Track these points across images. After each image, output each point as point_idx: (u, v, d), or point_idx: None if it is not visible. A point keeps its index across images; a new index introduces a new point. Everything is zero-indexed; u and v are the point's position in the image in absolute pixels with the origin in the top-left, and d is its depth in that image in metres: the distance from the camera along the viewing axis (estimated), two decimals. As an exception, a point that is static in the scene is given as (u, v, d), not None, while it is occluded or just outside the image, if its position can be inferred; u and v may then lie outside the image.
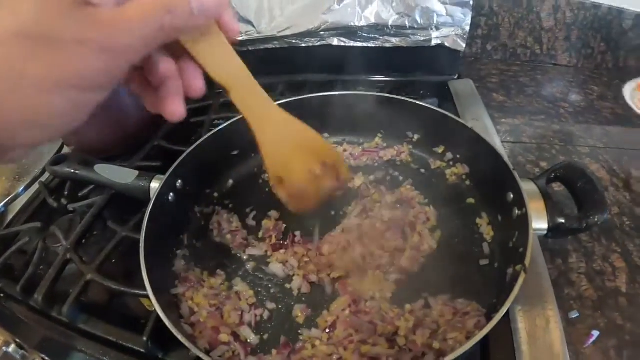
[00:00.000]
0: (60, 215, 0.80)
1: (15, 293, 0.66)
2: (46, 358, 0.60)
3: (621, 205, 0.71)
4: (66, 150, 0.99)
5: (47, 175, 0.93)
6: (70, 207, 0.80)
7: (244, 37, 1.02)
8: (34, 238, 0.76)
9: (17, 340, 0.63)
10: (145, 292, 0.59)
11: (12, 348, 0.64)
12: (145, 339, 0.55)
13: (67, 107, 0.30)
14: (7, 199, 0.88)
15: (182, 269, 0.63)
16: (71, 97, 0.29)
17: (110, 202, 0.77)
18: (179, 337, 0.47)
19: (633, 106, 0.94)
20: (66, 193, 0.84)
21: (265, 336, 0.56)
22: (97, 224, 0.75)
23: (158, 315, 0.54)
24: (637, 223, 0.68)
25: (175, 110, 0.37)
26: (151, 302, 0.59)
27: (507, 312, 0.54)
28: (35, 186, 0.90)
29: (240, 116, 0.75)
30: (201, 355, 0.46)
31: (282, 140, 0.47)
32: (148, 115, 0.93)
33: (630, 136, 0.89)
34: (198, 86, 0.38)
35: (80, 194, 0.83)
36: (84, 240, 0.72)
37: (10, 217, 0.84)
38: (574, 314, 0.56)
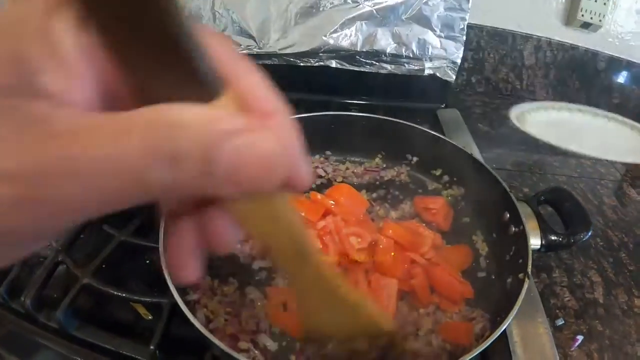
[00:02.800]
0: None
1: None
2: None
3: (595, 228, 0.84)
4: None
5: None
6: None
7: (245, 51, 1.10)
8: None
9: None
10: (148, 299, 0.64)
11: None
12: (152, 347, 0.56)
13: None
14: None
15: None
16: None
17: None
18: (209, 336, 0.50)
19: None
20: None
21: (284, 343, 0.60)
22: (85, 226, 0.75)
23: (165, 324, 0.59)
24: (610, 244, 0.81)
25: (187, 271, 0.25)
26: (144, 309, 0.64)
27: (503, 320, 0.64)
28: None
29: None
30: (233, 353, 0.49)
31: (337, 316, 0.38)
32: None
33: (601, 168, 1.04)
34: (226, 240, 0.25)
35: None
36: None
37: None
38: (559, 322, 0.67)
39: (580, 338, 0.64)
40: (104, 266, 0.68)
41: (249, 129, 0.19)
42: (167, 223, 0.24)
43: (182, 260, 0.24)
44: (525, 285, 0.54)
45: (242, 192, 0.20)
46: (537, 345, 0.62)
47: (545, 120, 1.18)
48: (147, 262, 0.75)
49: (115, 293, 0.63)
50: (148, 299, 0.64)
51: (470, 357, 0.50)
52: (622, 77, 1.27)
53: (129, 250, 0.73)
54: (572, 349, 0.64)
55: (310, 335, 0.40)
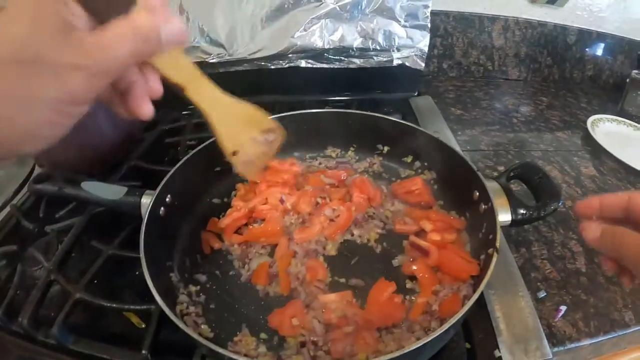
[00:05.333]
0: (35, 238, 0.80)
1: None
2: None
3: (574, 199, 0.81)
4: (38, 171, 0.99)
5: (18, 198, 0.93)
6: (48, 228, 0.79)
7: (215, 60, 1.08)
8: (9, 262, 0.75)
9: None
10: (137, 307, 0.63)
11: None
12: (144, 352, 0.56)
13: (60, 120, 0.35)
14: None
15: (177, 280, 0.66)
16: (64, 112, 0.34)
17: (89, 221, 0.78)
18: (198, 338, 0.49)
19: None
20: (41, 215, 0.84)
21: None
22: (75, 245, 0.75)
23: (155, 329, 0.58)
24: (589, 213, 0.78)
25: (147, 109, 0.42)
26: (140, 317, 0.63)
27: (483, 297, 0.62)
28: (6, 210, 0.88)
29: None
30: (220, 350, 0.48)
31: (231, 119, 0.53)
32: (122, 136, 0.95)
33: (577, 140, 1.01)
34: (158, 88, 0.43)
35: (57, 215, 0.83)
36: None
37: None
38: (541, 294, 0.64)
39: (563, 308, 0.62)
40: (95, 281, 0.68)
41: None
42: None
43: (143, 101, 0.41)
44: (494, 260, 0.52)
45: (172, 46, 0.39)
46: (520, 319, 0.59)
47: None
48: (137, 273, 0.74)
49: (106, 304, 0.63)
50: (137, 307, 0.63)
51: (439, 334, 0.47)
52: (594, 49, 1.25)
53: (118, 263, 0.72)
54: (556, 319, 0.61)
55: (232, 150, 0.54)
